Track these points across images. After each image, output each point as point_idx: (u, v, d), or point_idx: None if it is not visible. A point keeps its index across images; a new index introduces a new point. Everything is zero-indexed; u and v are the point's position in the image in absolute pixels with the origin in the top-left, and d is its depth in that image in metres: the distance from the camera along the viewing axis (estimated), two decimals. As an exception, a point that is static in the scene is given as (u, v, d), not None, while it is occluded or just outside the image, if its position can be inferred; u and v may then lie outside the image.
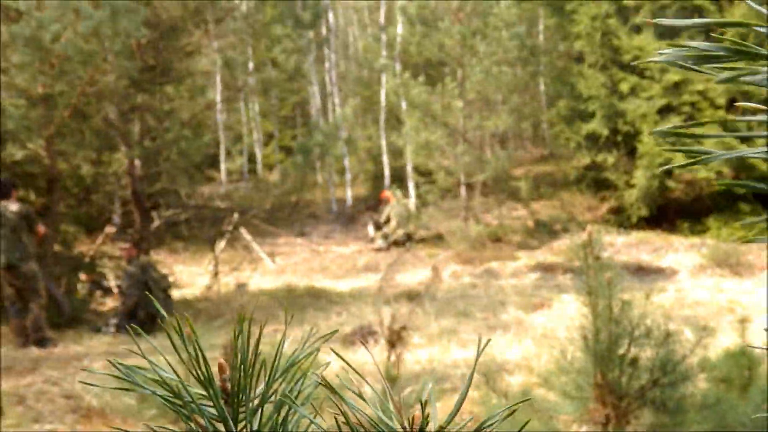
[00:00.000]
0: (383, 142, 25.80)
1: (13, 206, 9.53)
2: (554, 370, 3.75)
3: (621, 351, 3.49)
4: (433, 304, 12.08)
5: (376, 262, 18.61)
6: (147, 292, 10.86)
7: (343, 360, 0.80)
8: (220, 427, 0.81)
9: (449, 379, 7.79)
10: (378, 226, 20.74)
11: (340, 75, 30.42)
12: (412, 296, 12.68)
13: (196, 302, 13.03)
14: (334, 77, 28.29)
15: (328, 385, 0.76)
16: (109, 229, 15.79)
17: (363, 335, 9.59)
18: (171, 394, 0.80)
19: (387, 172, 25.38)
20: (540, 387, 3.92)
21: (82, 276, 12.98)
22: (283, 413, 0.81)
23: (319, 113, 28.76)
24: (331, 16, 29.09)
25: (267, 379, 0.82)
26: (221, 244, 16.45)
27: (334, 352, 0.85)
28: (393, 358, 4.66)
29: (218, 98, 22.05)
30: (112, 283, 13.26)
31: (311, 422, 0.78)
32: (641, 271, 15.16)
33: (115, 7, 9.68)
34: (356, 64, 32.06)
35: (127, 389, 0.81)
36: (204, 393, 0.82)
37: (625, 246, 17.65)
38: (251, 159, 29.95)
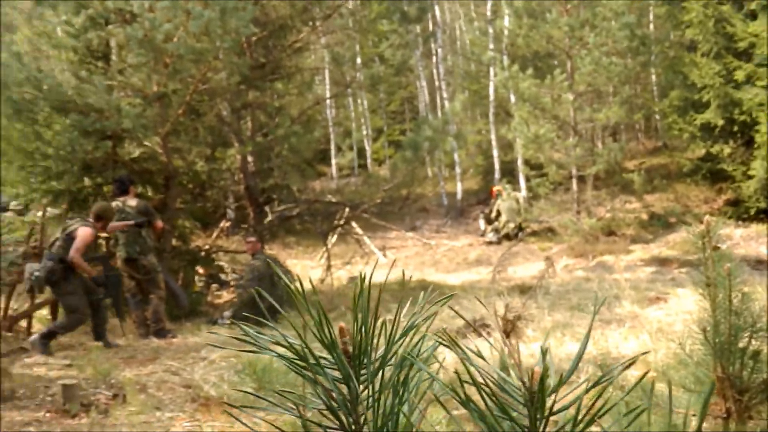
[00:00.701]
0: (493, 136, 25.69)
1: (132, 202, 9.86)
2: (673, 363, 3.67)
3: (742, 344, 3.38)
4: (546, 297, 11.93)
5: (487, 255, 18.55)
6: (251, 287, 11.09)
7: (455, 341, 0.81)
8: (343, 388, 0.82)
9: (564, 372, 7.64)
10: (489, 220, 20.69)
11: (448, 69, 30.40)
12: (524, 289, 12.58)
13: (309, 295, 13.20)
14: (441, 71, 28.31)
15: (451, 340, 0.77)
16: (224, 224, 16.17)
17: (475, 328, 9.55)
18: (296, 357, 0.82)
19: (497, 165, 25.28)
20: (658, 381, 3.83)
21: (199, 269, 13.30)
22: (404, 373, 0.82)
23: (427, 108, 28.83)
24: (437, 10, 29.09)
25: (387, 341, 0.83)
26: (333, 238, 16.64)
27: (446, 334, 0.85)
28: (507, 348, 4.59)
29: (327, 94, 22.31)
30: (228, 276, 13.56)
31: (434, 380, 0.79)
32: (761, 265, 14.66)
33: (224, 6, 9.87)
34: (464, 57, 31.95)
35: (252, 351, 0.83)
36: (326, 357, 0.83)
37: (743, 239, 17.11)
38: (361, 154, 30.26)
